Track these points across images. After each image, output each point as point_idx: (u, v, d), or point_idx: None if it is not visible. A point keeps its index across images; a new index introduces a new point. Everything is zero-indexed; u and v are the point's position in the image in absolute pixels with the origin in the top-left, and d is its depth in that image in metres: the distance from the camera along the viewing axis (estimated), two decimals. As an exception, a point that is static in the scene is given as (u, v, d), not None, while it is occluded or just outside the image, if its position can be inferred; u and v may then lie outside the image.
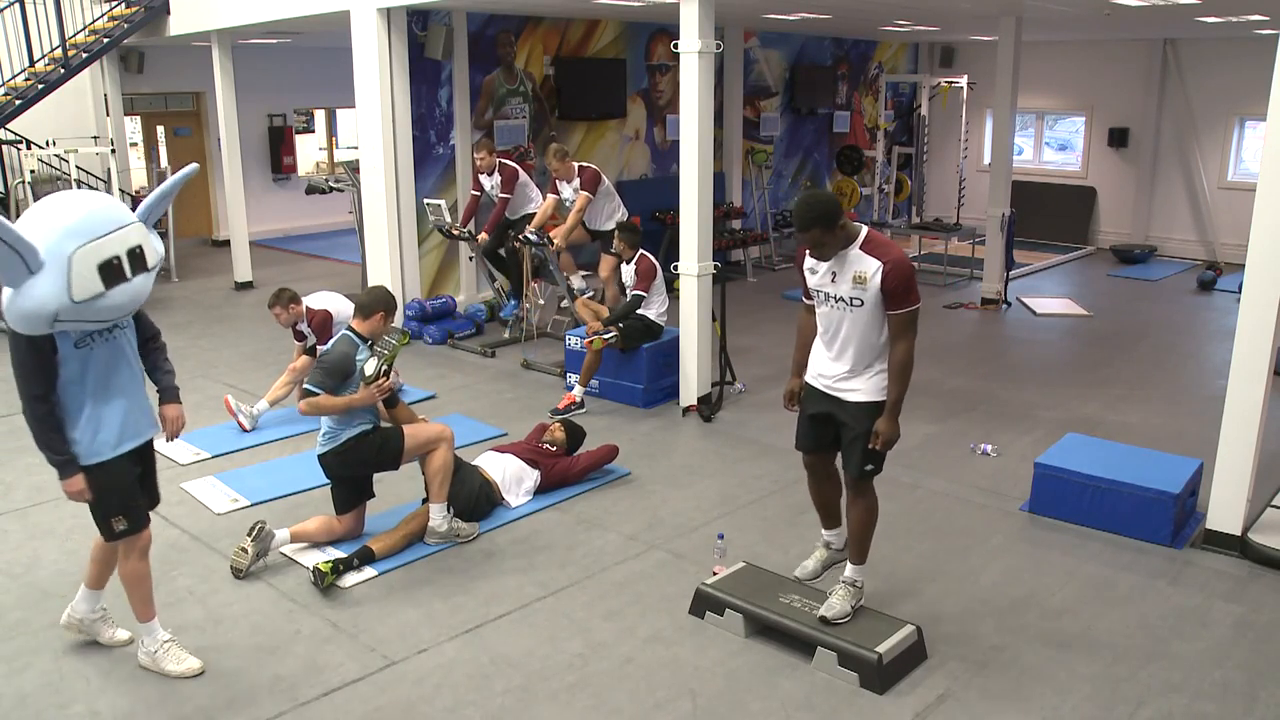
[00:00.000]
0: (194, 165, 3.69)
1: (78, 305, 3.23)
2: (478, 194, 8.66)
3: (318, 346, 6.39)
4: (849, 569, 3.99)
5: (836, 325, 3.73)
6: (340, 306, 6.65)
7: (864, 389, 3.72)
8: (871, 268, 3.58)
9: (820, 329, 3.83)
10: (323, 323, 6.50)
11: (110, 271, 3.28)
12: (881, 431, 3.68)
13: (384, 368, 4.53)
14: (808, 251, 3.73)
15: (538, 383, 7.51)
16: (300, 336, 6.62)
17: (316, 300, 6.71)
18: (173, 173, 12.72)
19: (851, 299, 3.64)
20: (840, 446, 3.89)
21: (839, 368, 3.76)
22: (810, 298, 3.86)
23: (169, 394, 3.84)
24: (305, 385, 4.61)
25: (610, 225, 8.15)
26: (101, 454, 3.53)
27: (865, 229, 3.67)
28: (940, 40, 14.20)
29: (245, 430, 6.37)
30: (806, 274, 3.80)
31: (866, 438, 3.72)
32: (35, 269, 3.17)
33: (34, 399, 3.40)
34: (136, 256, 3.38)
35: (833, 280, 3.67)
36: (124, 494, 3.61)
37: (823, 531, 4.20)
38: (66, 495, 3.54)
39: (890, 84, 14.24)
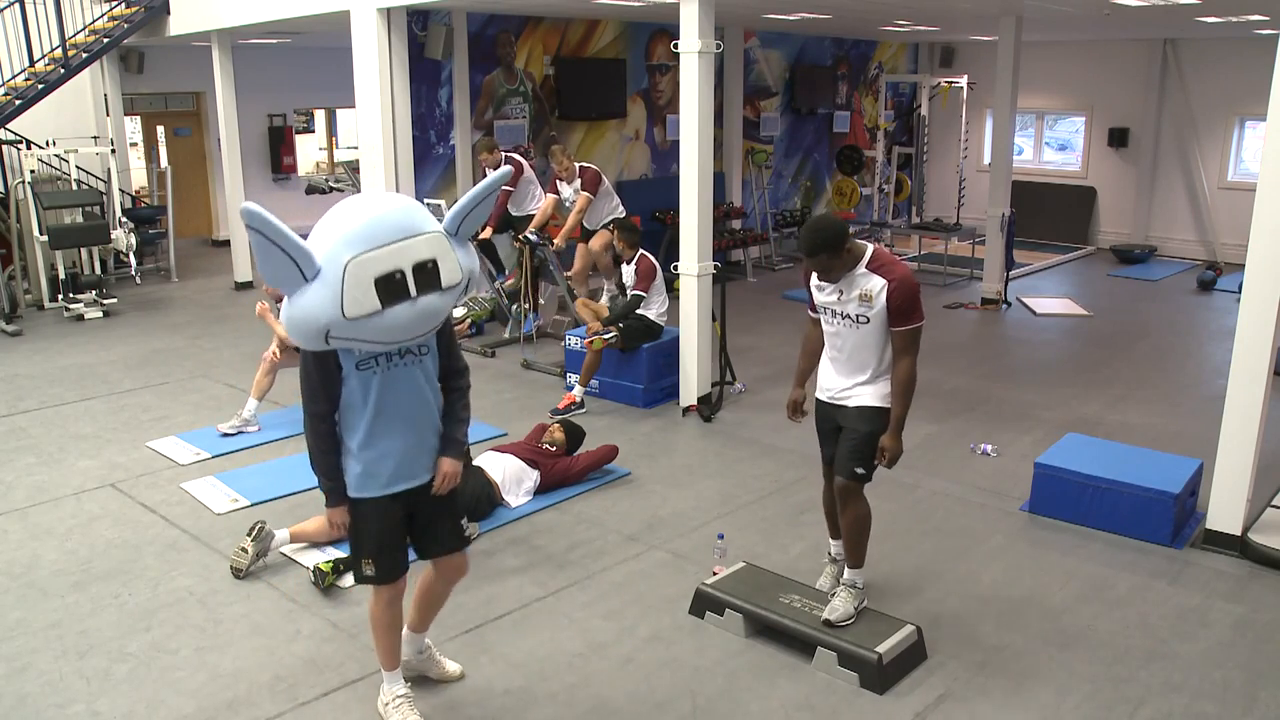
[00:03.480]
0: (507, 169, 3.17)
1: (350, 323, 2.84)
2: None
3: None
4: (847, 572, 3.99)
5: (844, 343, 3.79)
6: None
7: (866, 394, 3.76)
8: (877, 286, 3.63)
9: (828, 345, 3.89)
10: None
11: (391, 287, 2.84)
12: (887, 448, 3.71)
13: (470, 320, 4.75)
14: (815, 274, 3.79)
15: (538, 383, 7.51)
16: None
17: None
18: (172, 173, 12.53)
19: (858, 316, 3.69)
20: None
21: (845, 381, 3.83)
22: (816, 311, 3.92)
23: (450, 446, 3.31)
24: None
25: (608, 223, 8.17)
26: (366, 490, 3.18)
27: (871, 247, 3.69)
28: (940, 40, 14.20)
29: (252, 430, 6.37)
30: (814, 290, 3.85)
31: (859, 439, 3.75)
32: (310, 276, 2.82)
33: (313, 416, 3.12)
34: (425, 272, 2.90)
35: (839, 298, 3.72)
36: (379, 538, 3.26)
37: (830, 541, 4.23)
38: (329, 522, 3.27)
39: (890, 84, 14.24)
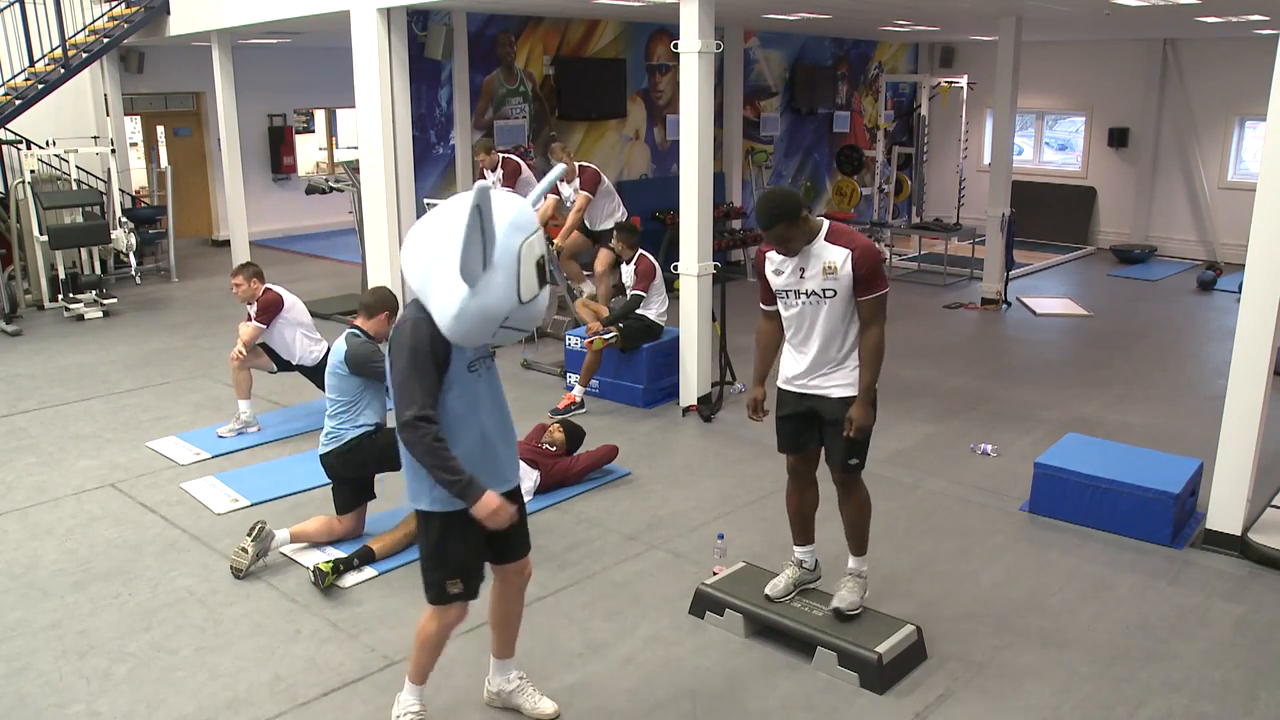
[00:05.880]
0: (562, 165, 3.15)
1: (523, 307, 2.86)
2: None
3: (256, 324, 6.20)
4: (852, 561, 3.97)
5: (810, 323, 3.69)
6: (293, 303, 6.42)
7: (845, 384, 3.69)
8: (840, 256, 3.57)
9: (789, 332, 3.79)
10: (269, 304, 6.23)
11: (542, 272, 2.89)
12: (855, 418, 3.62)
13: None
14: (773, 251, 3.70)
15: (538, 383, 7.51)
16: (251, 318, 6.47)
17: (278, 288, 6.53)
18: (172, 173, 12.47)
19: (824, 290, 3.61)
20: (823, 445, 3.85)
21: (814, 366, 3.72)
22: (770, 304, 3.83)
23: None
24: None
25: (609, 224, 8.16)
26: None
27: (827, 222, 3.66)
28: (940, 40, 14.20)
29: (253, 431, 6.36)
30: (771, 277, 3.75)
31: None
32: (489, 264, 2.79)
33: (419, 422, 2.89)
34: (542, 266, 2.92)
35: (801, 276, 3.64)
36: (469, 553, 3.17)
37: (795, 548, 4.08)
38: (485, 521, 3.01)
39: (890, 84, 14.25)
